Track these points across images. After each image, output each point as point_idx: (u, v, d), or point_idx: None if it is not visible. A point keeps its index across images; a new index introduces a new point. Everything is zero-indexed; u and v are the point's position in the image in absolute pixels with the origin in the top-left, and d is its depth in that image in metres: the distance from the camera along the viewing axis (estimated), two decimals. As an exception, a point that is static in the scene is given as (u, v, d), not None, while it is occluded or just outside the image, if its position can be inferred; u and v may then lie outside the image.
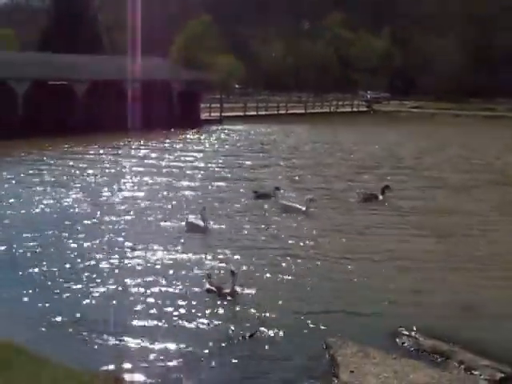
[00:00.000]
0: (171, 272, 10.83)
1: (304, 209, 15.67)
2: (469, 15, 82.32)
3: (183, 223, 14.13)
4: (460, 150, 31.86)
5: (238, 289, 9.71)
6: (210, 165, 24.96)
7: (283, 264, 11.46)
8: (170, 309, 9.24)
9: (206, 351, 8.04)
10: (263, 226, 14.35)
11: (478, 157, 29.18)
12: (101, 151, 28.97)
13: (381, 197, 17.25)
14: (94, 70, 40.76)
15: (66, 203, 16.60)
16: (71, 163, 24.75)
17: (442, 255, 12.00)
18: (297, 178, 21.82)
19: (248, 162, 25.80)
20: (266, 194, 17.75)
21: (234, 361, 7.85)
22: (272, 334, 8.55)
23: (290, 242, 13.03)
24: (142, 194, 18.11)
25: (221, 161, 26.44)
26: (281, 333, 8.60)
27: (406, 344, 8.43)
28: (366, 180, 21.03)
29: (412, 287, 10.39)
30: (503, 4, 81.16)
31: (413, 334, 8.61)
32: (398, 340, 8.55)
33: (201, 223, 13.68)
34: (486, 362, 7.73)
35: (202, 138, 38.07)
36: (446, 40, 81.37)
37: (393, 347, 8.28)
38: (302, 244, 12.86)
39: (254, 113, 55.69)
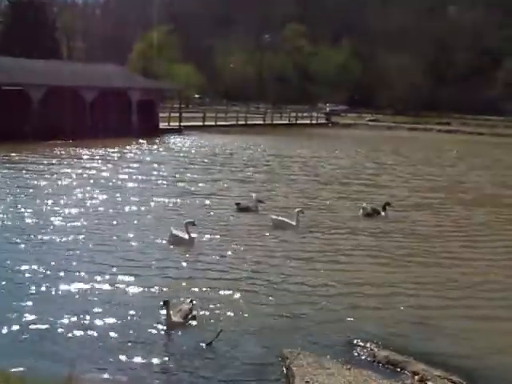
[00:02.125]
0: (130, 296, 10.28)
1: (295, 223, 15.52)
2: (427, 32, 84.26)
3: (140, 243, 13.48)
4: (422, 167, 31.67)
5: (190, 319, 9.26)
6: (165, 177, 24.29)
7: (252, 281, 11.26)
8: (124, 336, 8.85)
9: (160, 364, 7.94)
10: (247, 242, 14.01)
11: (439, 173, 29.09)
12: (52, 161, 27.70)
13: (383, 213, 17.72)
14: (51, 76, 39.95)
15: (11, 219, 15.29)
16: (20, 174, 23.35)
17: (408, 279, 11.84)
18: (262, 192, 20.92)
19: (209, 176, 24.92)
20: (249, 206, 17.57)
21: (188, 372, 7.77)
22: (228, 345, 8.47)
23: (267, 259, 12.73)
24: (92, 210, 16.81)
25: (177, 173, 25.70)
26: (237, 343, 8.56)
27: (361, 355, 8.48)
28: (334, 197, 20.77)
29: (370, 303, 10.43)
30: (462, 24, 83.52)
31: (368, 345, 8.67)
32: (353, 351, 8.59)
33: (185, 236, 13.35)
34: (439, 373, 7.84)
35: (159, 148, 37.51)
36: (405, 55, 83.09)
37: (348, 358, 8.31)
38: (277, 261, 12.62)
39: (213, 123, 55.63)
